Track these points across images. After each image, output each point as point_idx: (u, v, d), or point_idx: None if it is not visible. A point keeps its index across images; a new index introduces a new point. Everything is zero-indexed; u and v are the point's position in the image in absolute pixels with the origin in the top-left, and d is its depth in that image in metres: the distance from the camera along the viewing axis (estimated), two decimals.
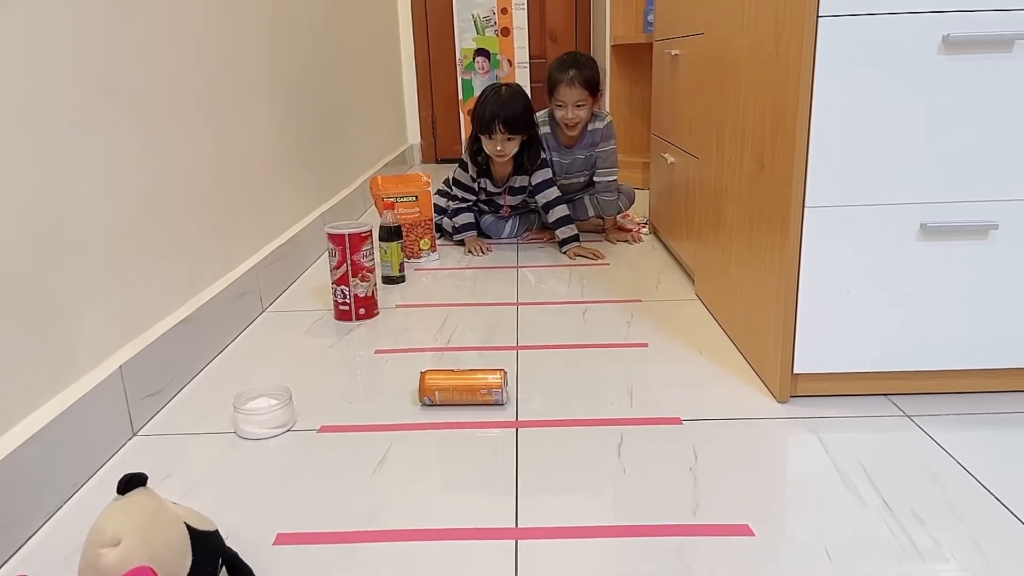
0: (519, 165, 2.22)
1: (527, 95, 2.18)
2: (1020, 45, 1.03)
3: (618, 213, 2.38)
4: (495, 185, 2.25)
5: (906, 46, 1.04)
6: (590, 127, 2.24)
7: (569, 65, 2.15)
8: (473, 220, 2.28)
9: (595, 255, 2.11)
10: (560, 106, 2.16)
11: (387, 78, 3.49)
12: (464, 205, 2.27)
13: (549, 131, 2.26)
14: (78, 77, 1.05)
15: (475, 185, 2.25)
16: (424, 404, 1.21)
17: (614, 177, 2.29)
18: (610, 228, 2.35)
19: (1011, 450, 1.04)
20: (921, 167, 1.08)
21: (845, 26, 1.03)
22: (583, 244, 2.17)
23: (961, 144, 1.07)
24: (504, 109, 2.07)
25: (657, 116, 2.22)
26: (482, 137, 2.13)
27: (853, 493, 0.95)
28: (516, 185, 2.27)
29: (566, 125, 2.19)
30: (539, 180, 2.23)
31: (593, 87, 2.15)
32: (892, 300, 1.13)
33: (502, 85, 2.19)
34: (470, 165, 2.22)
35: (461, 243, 2.26)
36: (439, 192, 2.34)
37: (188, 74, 1.39)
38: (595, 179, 2.31)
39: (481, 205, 2.34)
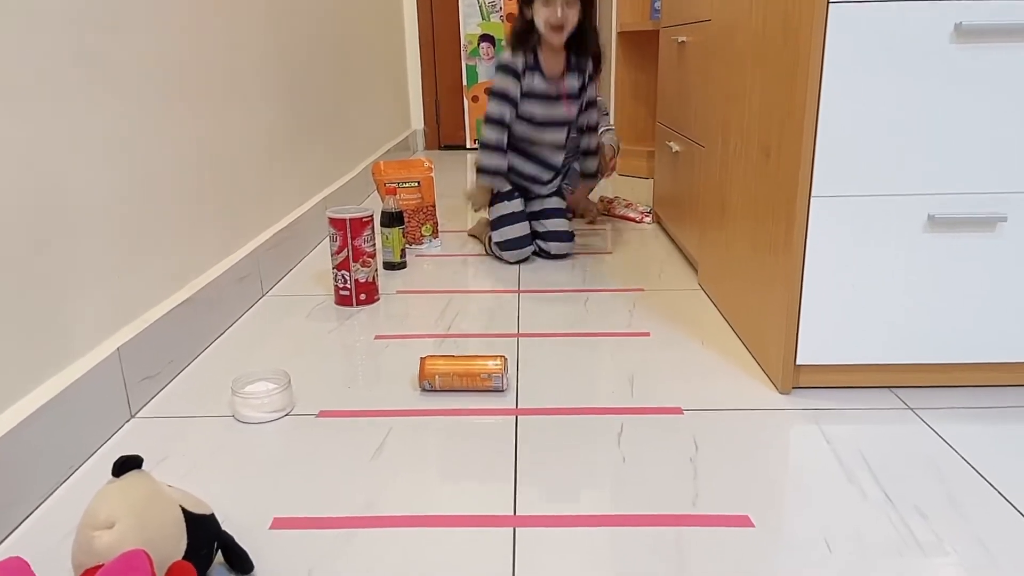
0: (570, 58, 1.84)
1: None
2: None
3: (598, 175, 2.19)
4: (546, 80, 1.82)
5: (917, 34, 1.02)
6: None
7: None
8: (503, 163, 1.89)
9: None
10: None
11: (391, 63, 3.46)
12: (493, 136, 1.85)
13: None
14: (77, 59, 1.04)
15: (519, 89, 1.81)
16: (424, 389, 1.20)
17: (610, 127, 2.22)
18: (585, 201, 2.27)
19: (1014, 444, 1.03)
20: (930, 157, 1.07)
21: (856, 13, 1.01)
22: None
23: (971, 135, 1.06)
24: None
25: (663, 104, 2.20)
26: (535, 2, 1.74)
27: (855, 485, 0.94)
28: (569, 88, 1.86)
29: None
30: (592, 95, 1.92)
31: None
32: (897, 292, 1.12)
33: None
34: (516, 56, 1.80)
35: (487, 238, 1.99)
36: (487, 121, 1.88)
37: (189, 57, 1.38)
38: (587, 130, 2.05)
39: (523, 146, 1.90)
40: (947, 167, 1.07)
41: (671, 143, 2.01)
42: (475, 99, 3.94)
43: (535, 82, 1.82)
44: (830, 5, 1.01)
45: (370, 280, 1.62)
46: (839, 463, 0.99)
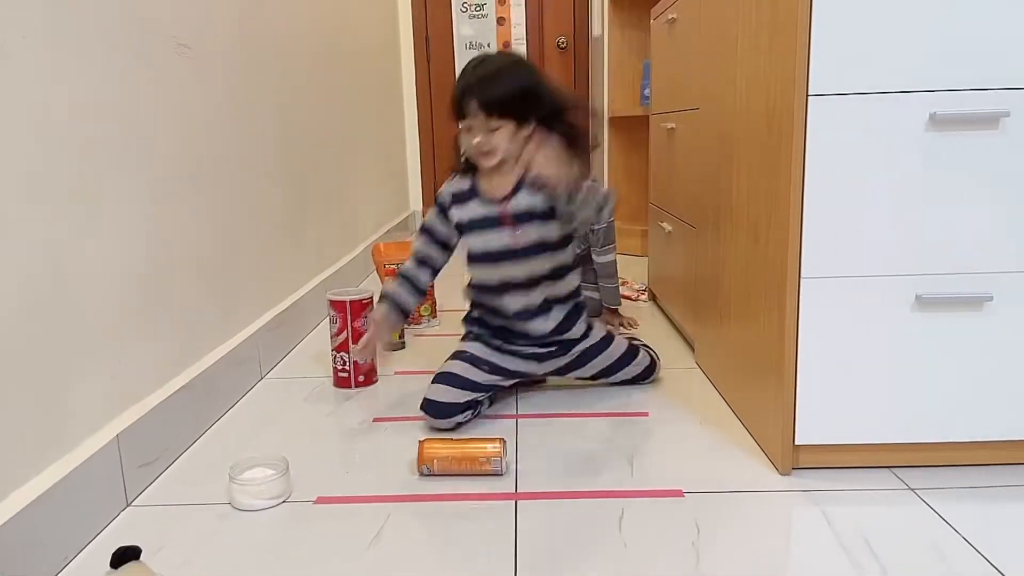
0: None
1: (528, 64, 1.40)
2: (1006, 123, 1.06)
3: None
4: (485, 203, 1.43)
5: (894, 124, 1.07)
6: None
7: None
8: (402, 293, 1.48)
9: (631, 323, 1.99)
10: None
11: (390, 145, 3.56)
12: (405, 267, 1.51)
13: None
14: (84, 147, 1.08)
15: (448, 225, 1.46)
16: (422, 474, 1.19)
17: (613, 256, 1.95)
18: (611, 316, 2.02)
19: (1015, 524, 1.03)
20: (914, 239, 1.10)
21: (834, 105, 1.07)
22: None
23: (951, 218, 1.09)
24: (482, 80, 1.32)
25: (655, 186, 2.27)
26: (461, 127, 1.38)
27: (857, 569, 0.93)
28: (522, 207, 1.40)
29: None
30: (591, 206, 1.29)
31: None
32: (891, 371, 1.13)
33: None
34: (451, 184, 1.48)
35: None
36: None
37: (192, 144, 1.43)
38: (594, 259, 1.95)
39: (492, 302, 1.47)
40: (931, 248, 1.10)
41: (664, 223, 2.06)
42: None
43: (469, 211, 1.44)
44: (809, 97, 1.07)
45: (369, 361, 1.63)
46: (841, 547, 0.98)
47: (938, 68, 1.05)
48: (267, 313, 1.78)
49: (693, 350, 1.79)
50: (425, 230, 1.50)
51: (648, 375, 1.59)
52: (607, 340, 1.54)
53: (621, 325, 2.01)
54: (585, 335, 1.51)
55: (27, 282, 0.94)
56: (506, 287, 1.45)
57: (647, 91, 2.90)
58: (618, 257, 2.00)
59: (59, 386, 1.00)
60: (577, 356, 1.51)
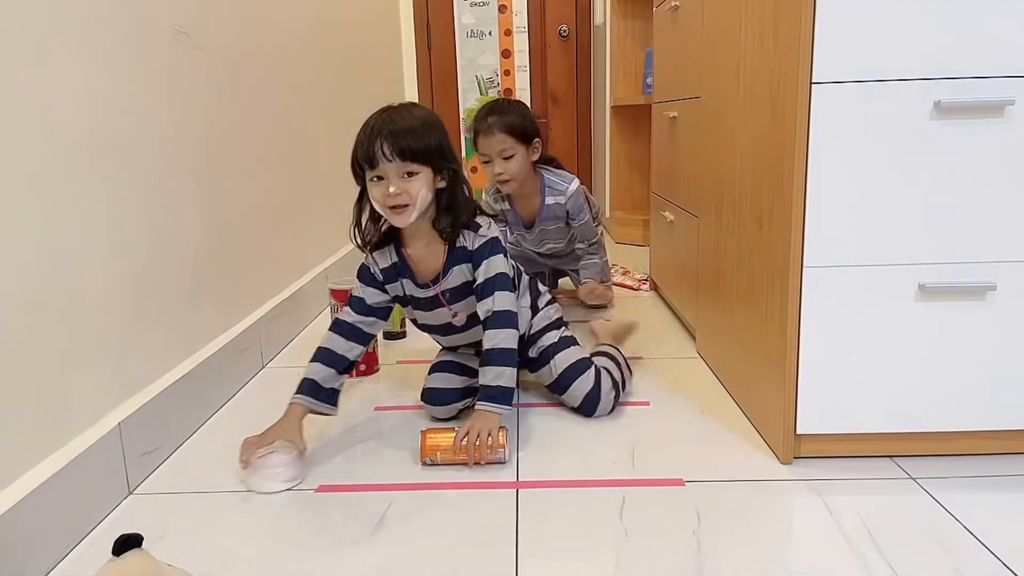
0: (447, 239, 1.26)
1: (431, 115, 1.25)
2: (1011, 111, 1.05)
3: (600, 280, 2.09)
4: (420, 286, 1.31)
5: (898, 111, 1.06)
6: (548, 200, 1.94)
7: (487, 113, 1.84)
8: (324, 381, 1.26)
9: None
10: (487, 162, 1.85)
11: None
12: (330, 343, 1.29)
13: (508, 206, 1.98)
14: (82, 134, 1.08)
15: (386, 293, 1.32)
16: (425, 464, 1.19)
17: (595, 257, 2.07)
18: (584, 292, 2.05)
19: (1017, 513, 1.03)
20: (917, 228, 1.10)
21: (838, 92, 1.06)
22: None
23: (956, 206, 1.09)
24: (398, 124, 1.18)
25: (656, 175, 2.26)
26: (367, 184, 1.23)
27: (859, 558, 0.93)
28: (455, 282, 1.30)
29: (500, 183, 1.86)
30: (490, 274, 1.26)
31: (519, 132, 1.82)
32: (893, 360, 1.13)
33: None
34: (372, 260, 1.31)
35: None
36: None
37: (191, 131, 1.42)
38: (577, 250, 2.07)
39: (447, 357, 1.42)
40: (935, 237, 1.10)
41: (666, 213, 2.05)
42: (473, 170, 4.02)
43: (407, 288, 1.32)
44: (813, 85, 1.06)
45: (370, 351, 1.63)
46: (843, 536, 0.98)
47: (942, 56, 1.04)
48: (269, 302, 1.78)
49: (695, 339, 1.79)
50: (359, 308, 1.30)
51: (594, 405, 1.35)
52: (566, 341, 1.43)
53: (593, 295, 2.04)
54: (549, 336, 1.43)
55: (28, 271, 0.94)
56: (455, 344, 1.44)
57: (649, 79, 2.88)
58: (621, 247, 2.02)
59: (61, 375, 1.01)
60: (540, 352, 1.42)
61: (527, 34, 3.86)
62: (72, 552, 0.98)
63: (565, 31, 3.86)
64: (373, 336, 1.36)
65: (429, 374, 1.41)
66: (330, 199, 2.39)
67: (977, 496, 1.07)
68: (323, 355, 1.28)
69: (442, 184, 1.24)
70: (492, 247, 1.27)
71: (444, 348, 1.49)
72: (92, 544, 1.00)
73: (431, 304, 1.33)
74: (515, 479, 1.15)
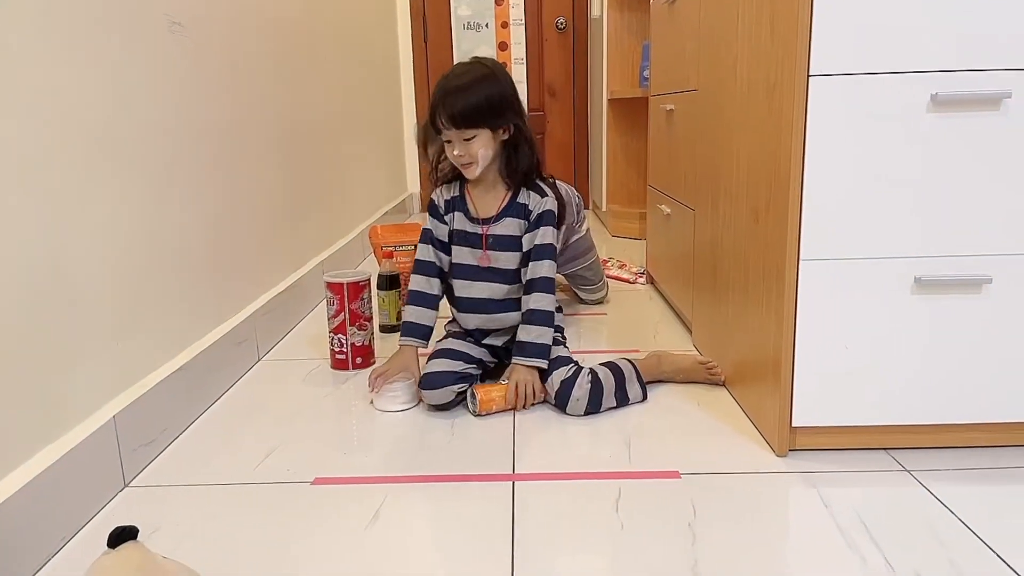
0: (516, 192, 1.43)
1: (499, 70, 1.40)
2: (1007, 104, 1.05)
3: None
4: (471, 220, 1.46)
5: (895, 104, 1.06)
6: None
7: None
8: (421, 321, 1.44)
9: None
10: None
11: (387, 126, 3.54)
12: (417, 285, 1.46)
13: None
14: (78, 130, 1.07)
15: (446, 229, 1.47)
16: (480, 416, 1.34)
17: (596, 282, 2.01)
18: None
19: (1012, 506, 1.03)
20: (914, 221, 1.10)
21: (835, 85, 1.06)
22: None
23: (953, 200, 1.09)
24: (451, 93, 1.34)
25: (653, 168, 2.25)
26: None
27: (854, 551, 0.93)
28: (504, 231, 1.43)
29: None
30: (543, 241, 1.41)
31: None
32: (889, 353, 1.13)
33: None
34: (442, 191, 1.49)
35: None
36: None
37: (187, 125, 1.41)
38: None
39: (455, 281, 1.48)
40: (931, 230, 1.10)
41: (662, 206, 2.05)
42: None
43: (457, 221, 1.47)
44: (810, 77, 1.06)
45: (366, 343, 1.63)
46: (838, 528, 0.98)
47: (940, 49, 1.04)
48: (264, 295, 1.77)
49: (691, 332, 1.79)
50: (428, 238, 1.49)
51: (566, 397, 1.34)
52: (555, 340, 1.44)
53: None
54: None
55: (25, 265, 0.94)
56: (469, 302, 1.49)
57: (646, 72, 2.88)
58: (617, 240, 1.99)
59: (57, 367, 1.00)
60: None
61: (524, 27, 3.85)
62: (67, 544, 0.97)
63: (562, 24, 3.84)
64: (444, 270, 1.49)
65: (428, 362, 1.43)
66: (326, 193, 2.38)
67: (971, 488, 1.07)
68: (413, 297, 1.46)
69: (505, 136, 1.40)
70: (550, 217, 1.43)
71: (449, 335, 1.54)
72: (87, 537, 0.99)
73: (473, 241, 1.46)
74: (511, 471, 1.15)
